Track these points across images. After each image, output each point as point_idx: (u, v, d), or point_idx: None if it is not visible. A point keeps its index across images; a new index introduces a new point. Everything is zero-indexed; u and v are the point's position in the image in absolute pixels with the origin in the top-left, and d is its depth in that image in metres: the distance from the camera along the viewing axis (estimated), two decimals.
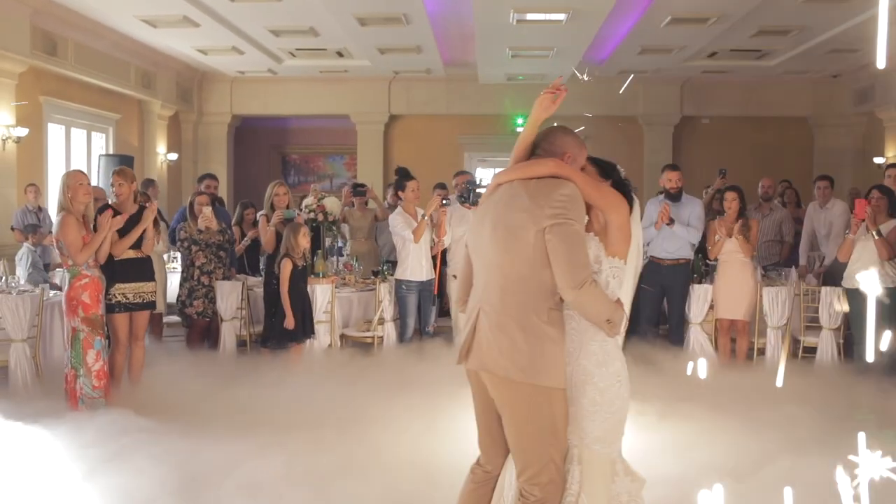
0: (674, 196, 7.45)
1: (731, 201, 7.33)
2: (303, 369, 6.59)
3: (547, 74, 13.66)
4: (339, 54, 12.98)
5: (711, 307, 7.48)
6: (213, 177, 9.36)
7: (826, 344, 7.31)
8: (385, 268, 7.90)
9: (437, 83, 15.01)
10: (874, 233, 6.56)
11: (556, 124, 3.24)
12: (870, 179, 11.82)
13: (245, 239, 8.24)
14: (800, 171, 14.46)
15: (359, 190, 9.08)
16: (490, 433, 3.13)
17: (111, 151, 12.86)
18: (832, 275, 8.00)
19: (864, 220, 6.58)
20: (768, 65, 13.56)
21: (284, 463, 4.38)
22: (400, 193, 7.59)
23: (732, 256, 7.24)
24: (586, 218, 3.03)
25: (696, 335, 7.51)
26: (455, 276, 7.40)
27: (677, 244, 7.41)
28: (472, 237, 3.20)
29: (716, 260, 7.50)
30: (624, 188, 3.16)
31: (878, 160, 13.90)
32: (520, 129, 15.52)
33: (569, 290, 2.81)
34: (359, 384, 6.01)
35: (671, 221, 7.26)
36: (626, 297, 3.07)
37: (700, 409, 5.50)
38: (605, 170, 3.21)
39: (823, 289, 7.36)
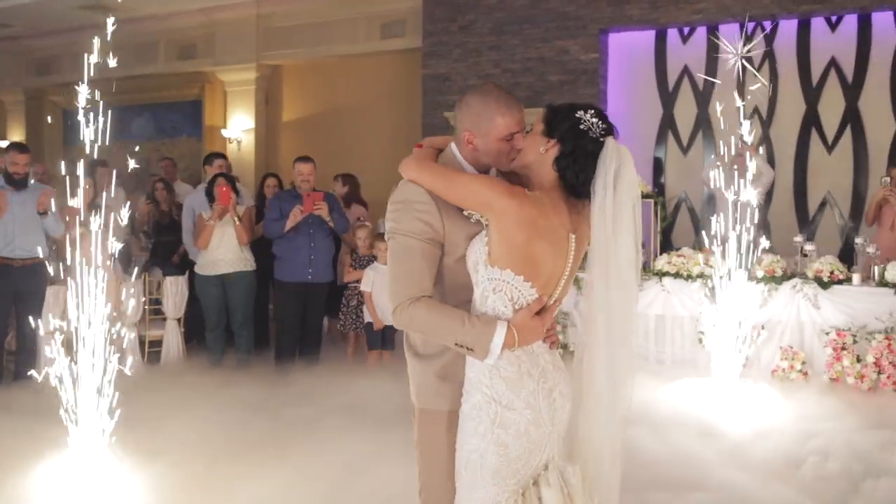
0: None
1: None
2: None
3: None
4: None
5: None
6: None
7: (171, 335, 7.03)
8: None
9: None
10: (236, 218, 6.69)
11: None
12: None
13: None
14: None
15: None
16: None
17: None
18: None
19: (227, 206, 6.62)
20: None
21: None
22: None
23: None
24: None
25: None
26: None
27: None
28: None
29: None
30: (569, 160, 2.29)
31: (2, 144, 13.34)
32: None
33: (389, 313, 2.44)
34: None
35: None
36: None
37: None
38: (549, 126, 2.34)
39: (168, 279, 7.02)
